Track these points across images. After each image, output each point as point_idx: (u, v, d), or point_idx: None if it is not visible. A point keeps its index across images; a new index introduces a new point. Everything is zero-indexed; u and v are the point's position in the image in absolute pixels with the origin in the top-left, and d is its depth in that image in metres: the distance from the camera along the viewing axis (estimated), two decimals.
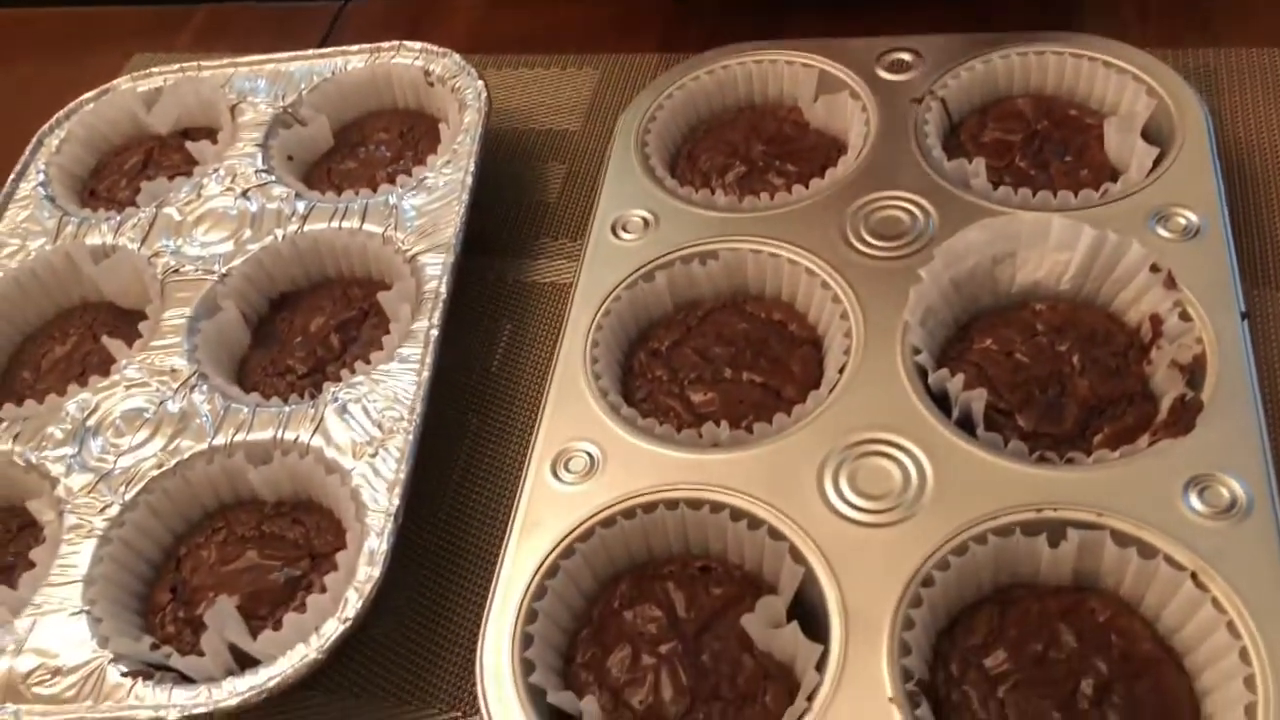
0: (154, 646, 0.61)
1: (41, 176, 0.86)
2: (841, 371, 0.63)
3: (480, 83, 0.82)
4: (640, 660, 0.56)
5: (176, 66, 0.91)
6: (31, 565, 0.64)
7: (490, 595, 0.58)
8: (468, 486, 0.70)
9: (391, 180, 0.80)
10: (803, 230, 0.69)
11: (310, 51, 0.89)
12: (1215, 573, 0.52)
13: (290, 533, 0.65)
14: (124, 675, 0.58)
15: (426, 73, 0.85)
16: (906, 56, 0.77)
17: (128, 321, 0.77)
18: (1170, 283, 0.61)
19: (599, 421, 0.63)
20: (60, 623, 0.61)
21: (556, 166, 0.87)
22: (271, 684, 0.56)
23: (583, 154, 0.87)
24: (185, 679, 0.59)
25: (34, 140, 0.89)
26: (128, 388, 0.71)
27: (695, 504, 0.59)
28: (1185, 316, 0.61)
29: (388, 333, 0.70)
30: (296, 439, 0.66)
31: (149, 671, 0.59)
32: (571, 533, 0.59)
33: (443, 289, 0.71)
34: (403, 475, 0.63)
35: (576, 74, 0.93)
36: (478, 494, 0.70)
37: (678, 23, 0.95)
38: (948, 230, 0.67)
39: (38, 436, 0.69)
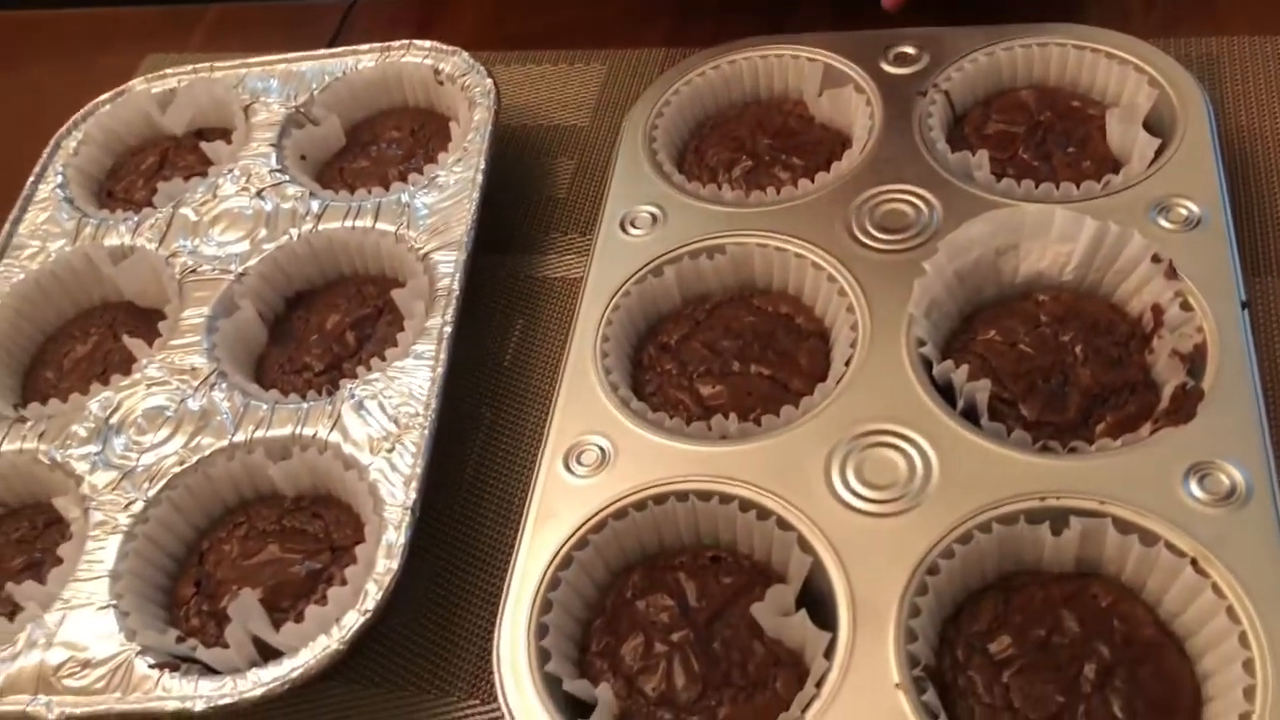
0: (180, 639, 0.62)
1: (59, 179, 0.87)
2: (848, 364, 0.64)
3: (489, 81, 0.83)
4: (653, 648, 0.57)
5: (190, 68, 0.92)
6: (59, 561, 0.65)
7: (506, 586, 0.59)
8: (482, 480, 0.72)
9: (403, 178, 0.81)
10: (809, 224, 0.70)
11: (321, 51, 0.90)
12: (1215, 559, 0.53)
13: (310, 527, 0.67)
14: (151, 667, 0.60)
15: (436, 71, 0.86)
16: (910, 50, 0.78)
17: (147, 321, 0.79)
18: (1171, 273, 0.62)
19: (610, 415, 0.65)
20: (88, 617, 0.62)
21: (565, 162, 0.88)
22: (294, 675, 0.58)
23: (591, 149, 0.88)
24: (210, 670, 0.60)
25: (51, 143, 0.90)
26: (149, 386, 0.72)
27: (705, 495, 0.60)
28: (1186, 306, 0.61)
29: (402, 330, 0.72)
30: (315, 435, 0.67)
31: (175, 663, 0.60)
32: (584, 524, 0.60)
33: (455, 286, 0.72)
34: (419, 470, 0.64)
35: (584, 70, 0.93)
36: (492, 487, 0.71)
37: (683, 18, 0.95)
38: (952, 223, 0.67)
39: (62, 435, 0.71)
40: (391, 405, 0.67)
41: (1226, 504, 0.55)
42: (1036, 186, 0.68)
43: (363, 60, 0.88)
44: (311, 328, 0.76)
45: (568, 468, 0.63)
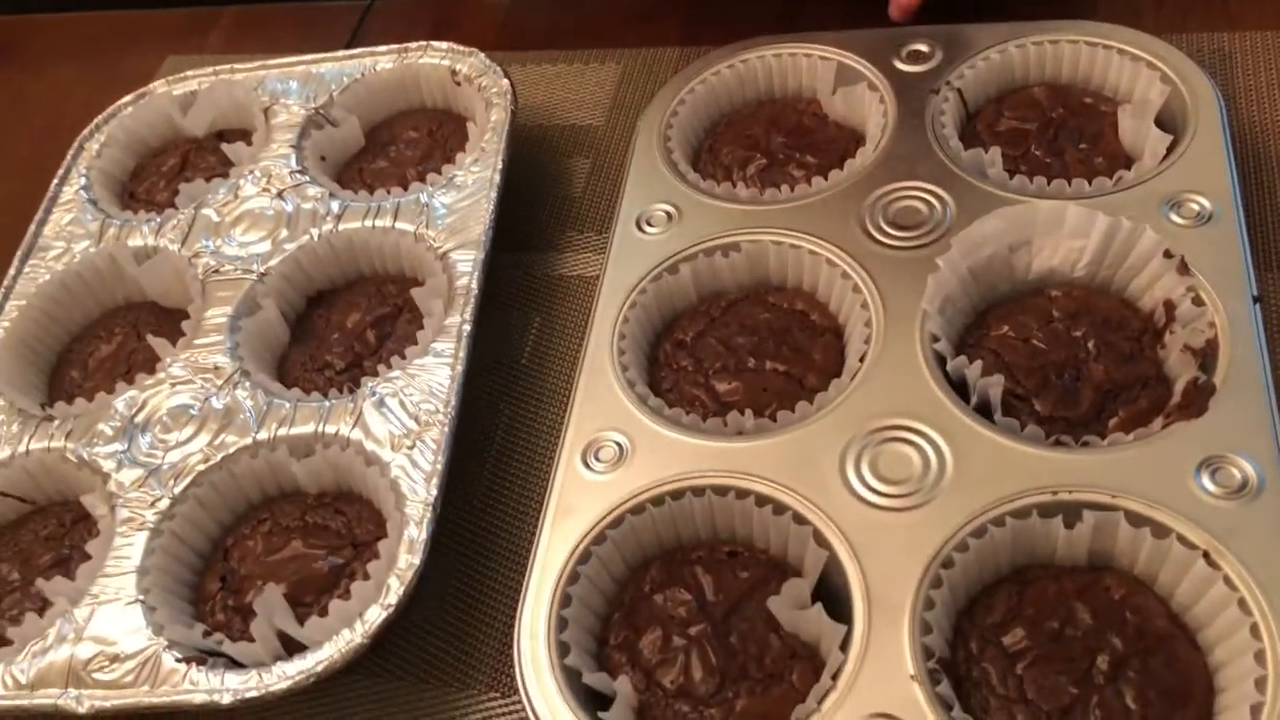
0: (206, 633, 0.63)
1: (83, 180, 0.88)
2: (862, 360, 0.65)
3: (506, 81, 0.84)
4: (671, 642, 0.58)
5: (210, 70, 0.93)
6: (87, 557, 0.67)
7: (525, 580, 0.60)
8: (501, 476, 0.73)
9: (422, 179, 0.82)
10: (823, 221, 0.71)
11: (340, 53, 0.91)
12: (1227, 551, 0.53)
13: (333, 523, 0.68)
14: (179, 661, 0.61)
15: (453, 72, 0.87)
16: (923, 47, 0.78)
17: (170, 320, 0.80)
18: (1183, 268, 0.63)
19: (627, 411, 0.65)
20: (117, 611, 0.64)
21: (581, 161, 0.88)
22: (319, 668, 0.59)
23: (606, 148, 0.89)
24: (236, 664, 0.61)
25: (75, 145, 0.91)
26: (173, 385, 0.73)
27: (722, 491, 0.61)
28: (1198, 301, 0.62)
29: (422, 328, 0.72)
30: (337, 432, 0.68)
31: (202, 657, 0.62)
32: (603, 520, 0.61)
33: (474, 285, 0.73)
34: (440, 466, 0.65)
35: (599, 69, 0.94)
36: (511, 483, 0.72)
37: (697, 16, 0.96)
38: (965, 219, 0.68)
39: (88, 434, 0.72)
40: (412, 403, 0.68)
41: (1238, 497, 0.55)
42: (1049, 183, 0.69)
43: (381, 62, 0.89)
44: (332, 326, 0.77)
45: (586, 464, 0.64)
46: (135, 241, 0.83)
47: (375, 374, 0.71)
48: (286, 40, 1.06)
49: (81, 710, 0.60)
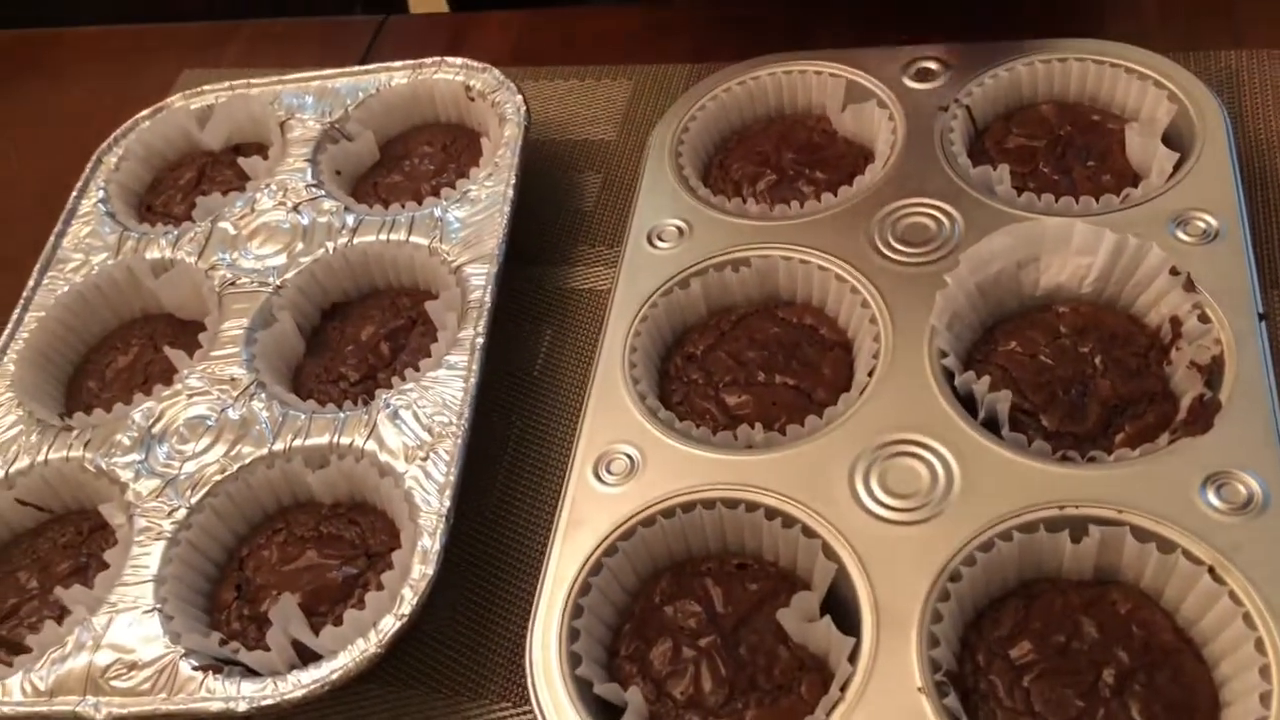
0: (222, 642, 0.64)
1: (101, 193, 0.90)
2: (871, 374, 0.65)
3: (519, 97, 0.85)
4: (681, 653, 0.59)
5: (226, 84, 0.94)
6: (105, 565, 0.67)
7: (537, 591, 0.61)
8: (513, 488, 0.73)
9: (436, 193, 0.83)
10: (832, 237, 0.72)
11: (356, 68, 0.92)
12: (1232, 566, 0.54)
13: (347, 533, 0.68)
14: (195, 669, 0.62)
15: (467, 88, 0.88)
16: (932, 65, 0.79)
17: (187, 332, 0.81)
18: (1190, 285, 0.63)
19: (638, 424, 0.66)
20: (134, 620, 0.64)
21: (593, 176, 0.89)
22: (334, 677, 0.60)
23: (618, 163, 0.89)
24: (252, 672, 0.62)
25: (94, 158, 0.92)
26: (190, 396, 0.74)
27: (732, 503, 0.61)
28: (1204, 318, 0.62)
29: (435, 341, 0.73)
30: (351, 444, 0.69)
31: (218, 666, 0.62)
32: (614, 531, 0.62)
33: (487, 298, 0.74)
34: (453, 478, 0.66)
35: (611, 85, 0.95)
36: (523, 495, 0.73)
37: (708, 33, 0.97)
38: (973, 236, 0.69)
39: (106, 444, 0.73)
40: (426, 415, 0.69)
41: (1243, 513, 0.56)
42: (1057, 200, 0.70)
43: (396, 77, 0.90)
44: (347, 339, 0.78)
45: (597, 476, 0.65)
46: (153, 254, 0.84)
47: (389, 386, 0.72)
48: (302, 55, 1.07)
49: (99, 717, 0.61)
